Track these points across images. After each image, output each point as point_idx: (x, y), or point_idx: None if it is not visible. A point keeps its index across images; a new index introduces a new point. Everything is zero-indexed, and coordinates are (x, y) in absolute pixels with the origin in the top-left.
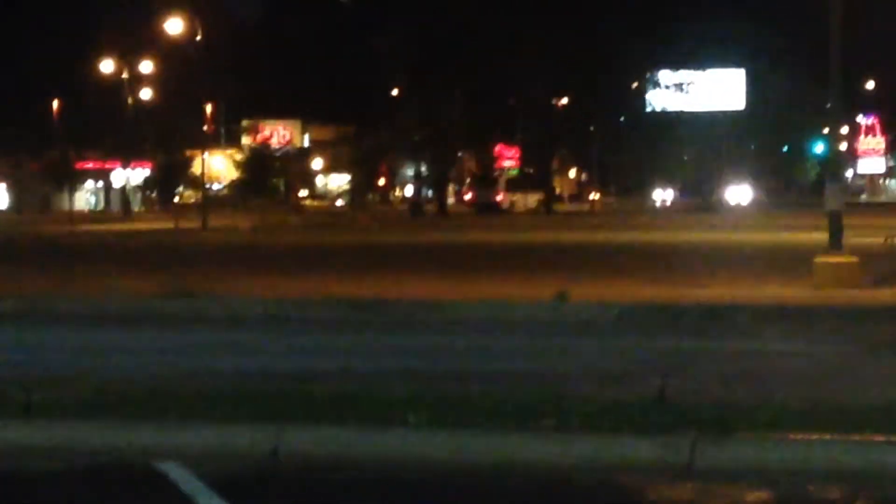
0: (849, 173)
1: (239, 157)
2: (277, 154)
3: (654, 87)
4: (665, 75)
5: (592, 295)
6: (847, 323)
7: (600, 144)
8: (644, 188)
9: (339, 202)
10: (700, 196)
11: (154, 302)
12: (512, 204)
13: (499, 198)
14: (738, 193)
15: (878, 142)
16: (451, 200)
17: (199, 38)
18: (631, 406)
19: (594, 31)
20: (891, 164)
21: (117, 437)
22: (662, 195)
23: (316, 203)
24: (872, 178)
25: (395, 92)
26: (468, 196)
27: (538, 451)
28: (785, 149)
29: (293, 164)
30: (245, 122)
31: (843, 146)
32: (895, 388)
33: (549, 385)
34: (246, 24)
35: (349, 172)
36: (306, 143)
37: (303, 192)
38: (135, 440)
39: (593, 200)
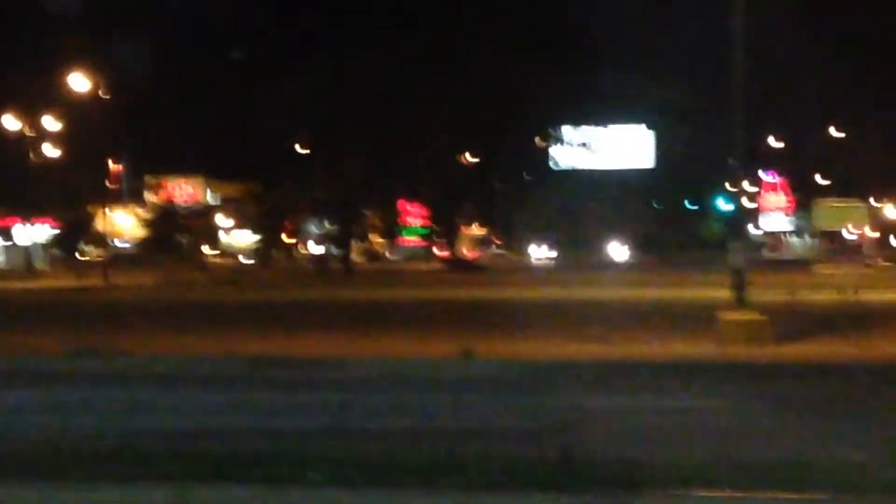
0: (753, 230)
1: (143, 213)
2: (183, 211)
3: (558, 143)
4: (567, 131)
5: (497, 352)
6: (752, 380)
7: (504, 200)
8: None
9: (244, 259)
10: (577, 252)
11: (56, 361)
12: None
13: (470, 254)
14: (617, 250)
15: (782, 199)
16: (355, 257)
17: (101, 94)
18: (536, 464)
19: (498, 86)
20: (794, 221)
21: (19, 497)
22: (538, 251)
23: (221, 260)
24: (776, 235)
25: (298, 149)
26: (442, 252)
27: None
28: (690, 205)
29: (198, 221)
30: (149, 179)
31: (747, 203)
32: (799, 444)
33: (452, 443)
34: (138, 77)
35: (254, 229)
36: (210, 200)
37: (207, 249)
38: (37, 500)
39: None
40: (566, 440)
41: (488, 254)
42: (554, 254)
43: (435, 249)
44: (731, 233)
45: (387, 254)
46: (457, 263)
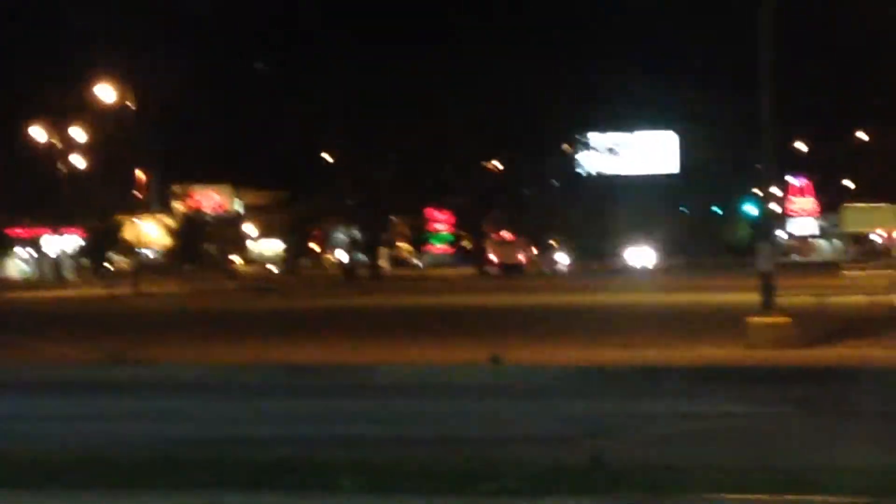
0: (781, 233)
1: (170, 222)
2: (210, 219)
3: (584, 149)
4: (594, 137)
5: (526, 358)
6: (781, 383)
7: (533, 207)
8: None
9: (272, 267)
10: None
11: (88, 369)
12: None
13: (522, 259)
14: (641, 255)
15: (810, 202)
16: (382, 264)
17: (129, 104)
18: (568, 469)
19: (523, 93)
20: (821, 224)
21: None
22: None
23: (249, 268)
24: (804, 239)
25: (326, 157)
26: (494, 257)
27: None
28: (718, 210)
29: (226, 230)
30: (176, 188)
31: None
32: (829, 448)
33: (485, 449)
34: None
35: (282, 237)
36: (238, 208)
37: (236, 258)
38: None
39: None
40: (597, 445)
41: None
42: (567, 260)
43: (491, 255)
44: (758, 236)
45: (415, 260)
46: (510, 268)
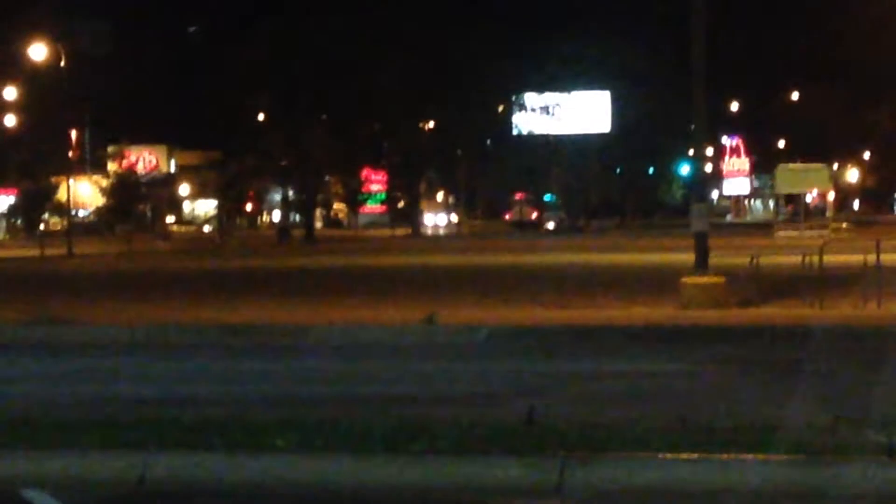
0: (714, 194)
1: (105, 183)
2: (144, 180)
3: (521, 110)
4: (530, 98)
5: (460, 317)
6: (714, 342)
7: (467, 167)
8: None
9: (207, 228)
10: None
11: (19, 329)
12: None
13: (534, 216)
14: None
15: (743, 163)
16: (318, 224)
17: (62, 63)
18: (500, 428)
19: (458, 53)
20: (755, 184)
21: None
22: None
23: (183, 229)
24: (738, 199)
25: (260, 117)
26: (508, 216)
27: (407, 474)
28: (651, 171)
29: (160, 190)
30: (111, 148)
31: (708, 167)
32: (762, 406)
33: (417, 408)
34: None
35: (216, 198)
36: (173, 169)
37: (170, 218)
38: (0, 468)
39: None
40: (529, 404)
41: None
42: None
43: (507, 215)
44: (692, 197)
45: (349, 221)
46: (521, 225)
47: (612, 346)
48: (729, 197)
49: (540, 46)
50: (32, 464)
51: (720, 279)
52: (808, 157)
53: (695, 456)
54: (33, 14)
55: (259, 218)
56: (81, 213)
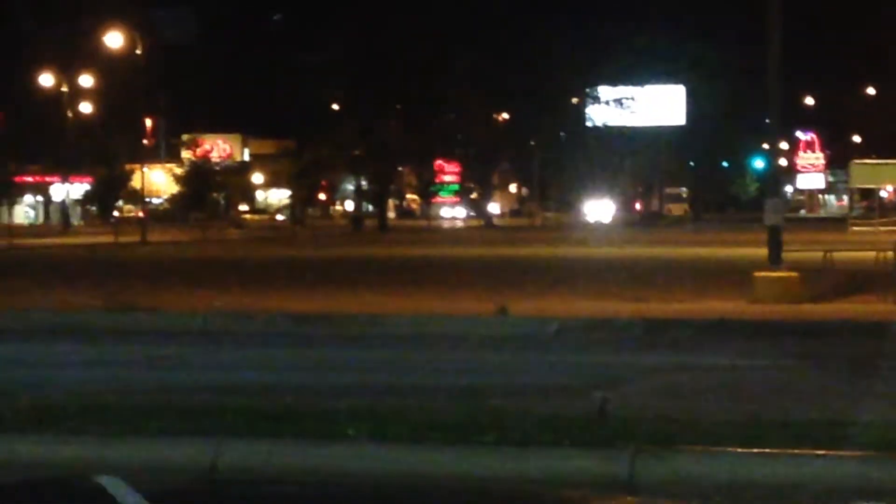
0: (788, 189)
1: (179, 171)
2: (218, 168)
3: (594, 103)
4: (605, 91)
5: (533, 309)
6: (787, 337)
7: (540, 159)
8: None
9: (280, 217)
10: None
11: (93, 316)
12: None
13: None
14: (599, 210)
15: (818, 157)
16: (391, 214)
17: (138, 52)
18: (572, 420)
19: (534, 45)
20: (830, 179)
21: (55, 450)
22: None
23: (256, 218)
24: (811, 194)
25: (334, 107)
26: (638, 205)
27: (478, 465)
28: (725, 164)
29: (233, 179)
30: (185, 137)
31: (783, 162)
32: (835, 402)
33: (488, 399)
34: (180, 46)
35: (290, 187)
36: (246, 157)
37: (243, 207)
38: (73, 454)
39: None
40: (601, 397)
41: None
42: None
43: (636, 205)
44: (766, 191)
45: (421, 212)
46: (650, 216)
47: (684, 339)
48: (803, 191)
49: (614, 40)
50: (104, 449)
51: (793, 274)
52: (883, 152)
53: (767, 451)
54: (114, 2)
55: (332, 208)
56: (155, 201)
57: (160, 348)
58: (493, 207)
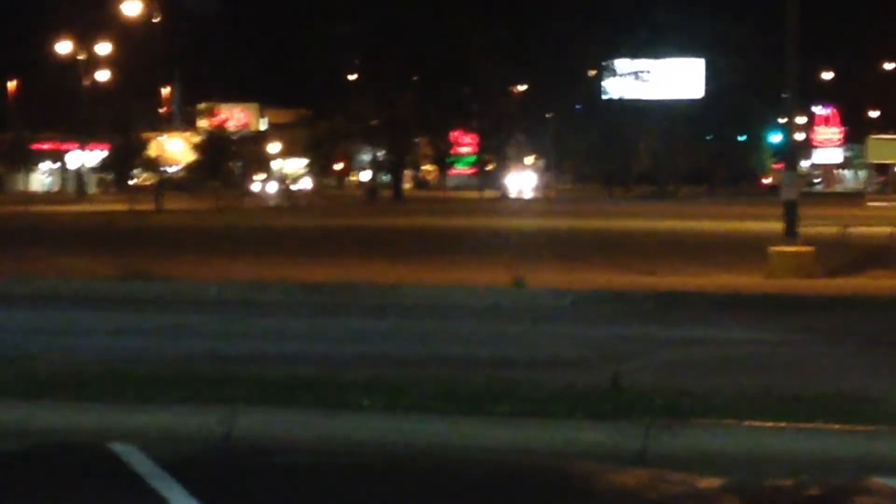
0: (805, 163)
1: (195, 139)
2: (234, 137)
3: (612, 76)
4: (622, 64)
5: (548, 281)
6: (802, 312)
7: (557, 131)
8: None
9: (296, 186)
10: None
11: (109, 284)
12: None
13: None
14: (521, 182)
15: (835, 132)
16: (406, 185)
17: (156, 20)
18: (585, 392)
19: (551, 18)
20: (847, 154)
21: (70, 417)
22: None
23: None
24: (828, 169)
25: (351, 77)
26: (765, 180)
27: (491, 435)
28: (742, 138)
29: (250, 148)
30: (202, 105)
31: (800, 136)
32: (848, 376)
33: (502, 370)
34: (201, 12)
35: (306, 156)
36: (263, 127)
37: (259, 176)
38: (88, 421)
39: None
40: (615, 369)
41: None
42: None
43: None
44: (783, 165)
45: (437, 183)
46: (775, 188)
47: (699, 313)
48: (820, 166)
49: (633, 12)
50: (119, 417)
51: (809, 248)
52: None
53: (781, 424)
54: None
55: (347, 178)
56: (171, 169)
57: (175, 317)
58: (518, 180)
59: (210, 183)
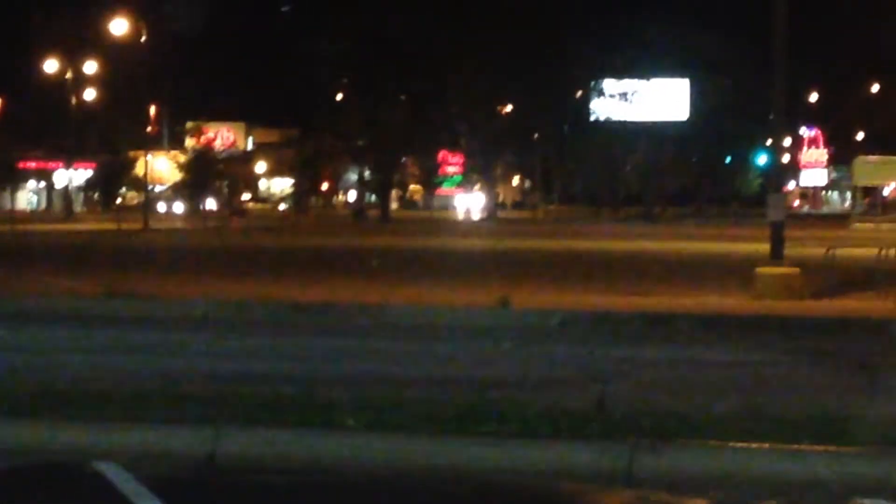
0: (791, 185)
1: (182, 158)
2: (221, 156)
3: (599, 96)
4: (609, 84)
5: (534, 301)
6: (788, 333)
7: (544, 152)
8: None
9: (282, 206)
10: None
11: (94, 302)
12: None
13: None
14: (469, 204)
15: (821, 154)
16: (394, 205)
17: (143, 39)
18: (570, 413)
19: (538, 38)
20: (833, 176)
21: (54, 436)
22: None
23: (259, 206)
24: (815, 190)
25: (338, 97)
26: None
27: (476, 456)
28: (728, 159)
29: (237, 167)
30: (189, 124)
31: (786, 158)
32: (833, 398)
33: (488, 391)
34: (188, 32)
35: (292, 176)
36: (250, 146)
37: (246, 195)
38: (72, 440)
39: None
40: (600, 390)
41: None
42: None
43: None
44: (769, 187)
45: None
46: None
47: (685, 334)
48: (806, 187)
49: (619, 33)
50: (103, 436)
51: (795, 270)
52: (886, 149)
53: (766, 446)
54: None
55: (334, 197)
56: (158, 189)
57: (159, 335)
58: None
59: (197, 202)
